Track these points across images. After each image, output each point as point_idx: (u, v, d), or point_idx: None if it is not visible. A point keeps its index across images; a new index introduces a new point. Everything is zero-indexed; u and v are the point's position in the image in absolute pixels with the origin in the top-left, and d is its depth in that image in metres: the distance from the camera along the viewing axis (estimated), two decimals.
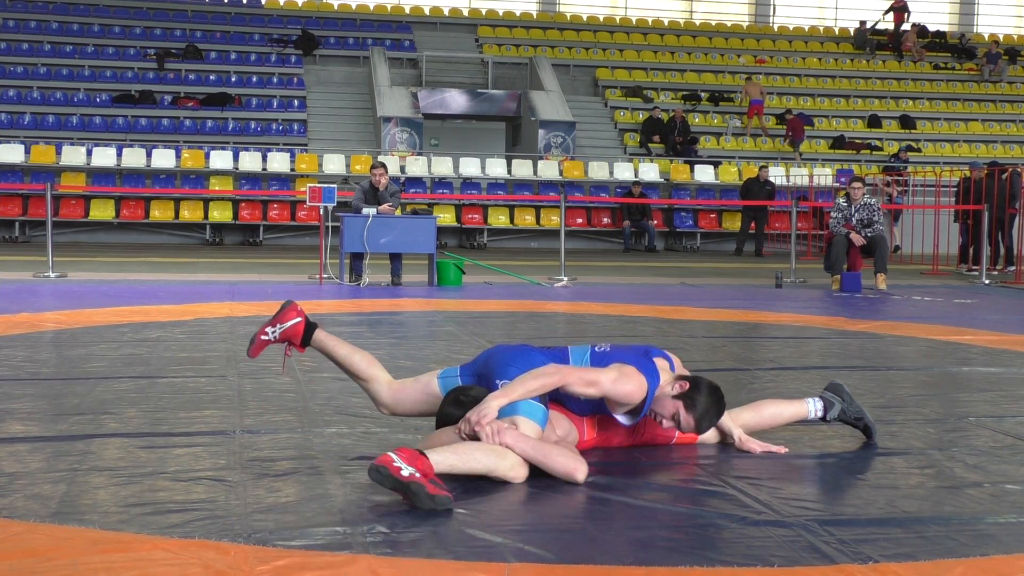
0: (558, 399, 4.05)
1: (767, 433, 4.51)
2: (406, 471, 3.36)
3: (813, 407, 4.46)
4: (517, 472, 3.67)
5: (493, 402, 3.74)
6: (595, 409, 4.07)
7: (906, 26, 28.55)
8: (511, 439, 3.68)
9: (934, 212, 16.49)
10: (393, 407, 4.24)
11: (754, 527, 3.32)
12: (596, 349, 4.09)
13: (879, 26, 28.94)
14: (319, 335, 4.26)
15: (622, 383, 3.84)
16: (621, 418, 4.04)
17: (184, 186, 19.39)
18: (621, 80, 25.48)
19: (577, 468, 3.70)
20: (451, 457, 3.57)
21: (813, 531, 3.28)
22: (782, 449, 4.25)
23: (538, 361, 3.99)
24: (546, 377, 3.81)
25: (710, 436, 4.32)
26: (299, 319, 4.26)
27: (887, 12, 28.79)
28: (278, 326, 4.26)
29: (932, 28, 29.86)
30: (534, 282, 12.14)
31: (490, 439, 3.65)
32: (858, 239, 12.08)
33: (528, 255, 17.62)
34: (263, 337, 4.27)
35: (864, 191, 12.39)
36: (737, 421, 4.37)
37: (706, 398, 3.93)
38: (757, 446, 4.25)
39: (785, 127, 23.84)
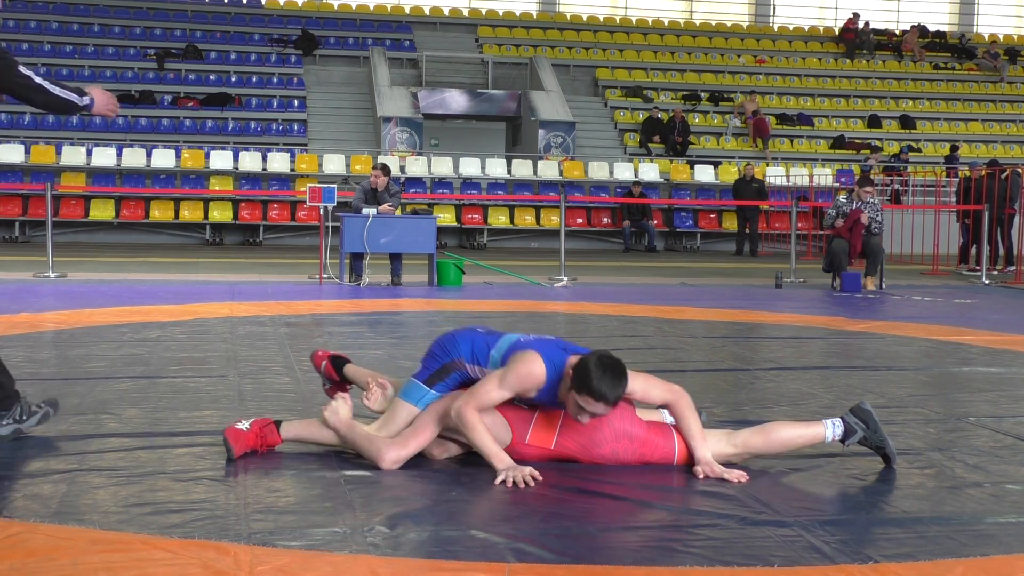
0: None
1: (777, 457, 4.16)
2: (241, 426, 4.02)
3: (832, 431, 4.06)
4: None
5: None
6: (547, 400, 3.93)
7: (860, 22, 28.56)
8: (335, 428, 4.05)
9: (934, 212, 16.48)
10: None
11: (754, 527, 3.32)
12: (520, 339, 4.01)
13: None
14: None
15: (513, 372, 3.83)
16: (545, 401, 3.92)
17: (184, 186, 19.38)
18: (621, 80, 25.47)
19: (382, 456, 3.88)
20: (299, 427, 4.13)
21: (813, 531, 3.28)
22: (744, 477, 3.83)
23: (479, 340, 4.06)
24: (443, 414, 3.96)
25: (720, 449, 3.97)
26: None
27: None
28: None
29: (932, 28, 29.86)
30: (534, 282, 12.13)
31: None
32: (864, 216, 12.05)
33: (528, 255, 17.61)
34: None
35: (873, 192, 12.44)
36: (746, 447, 4.02)
37: (591, 371, 3.67)
38: (711, 471, 3.85)
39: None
